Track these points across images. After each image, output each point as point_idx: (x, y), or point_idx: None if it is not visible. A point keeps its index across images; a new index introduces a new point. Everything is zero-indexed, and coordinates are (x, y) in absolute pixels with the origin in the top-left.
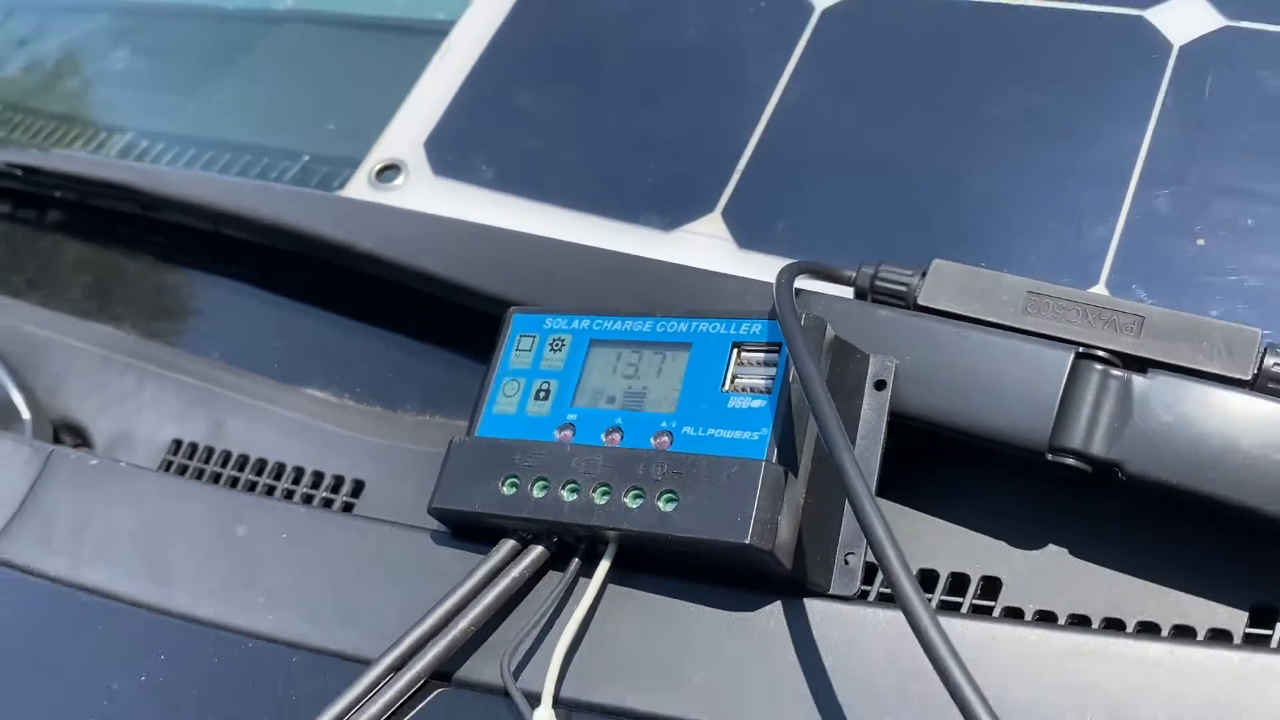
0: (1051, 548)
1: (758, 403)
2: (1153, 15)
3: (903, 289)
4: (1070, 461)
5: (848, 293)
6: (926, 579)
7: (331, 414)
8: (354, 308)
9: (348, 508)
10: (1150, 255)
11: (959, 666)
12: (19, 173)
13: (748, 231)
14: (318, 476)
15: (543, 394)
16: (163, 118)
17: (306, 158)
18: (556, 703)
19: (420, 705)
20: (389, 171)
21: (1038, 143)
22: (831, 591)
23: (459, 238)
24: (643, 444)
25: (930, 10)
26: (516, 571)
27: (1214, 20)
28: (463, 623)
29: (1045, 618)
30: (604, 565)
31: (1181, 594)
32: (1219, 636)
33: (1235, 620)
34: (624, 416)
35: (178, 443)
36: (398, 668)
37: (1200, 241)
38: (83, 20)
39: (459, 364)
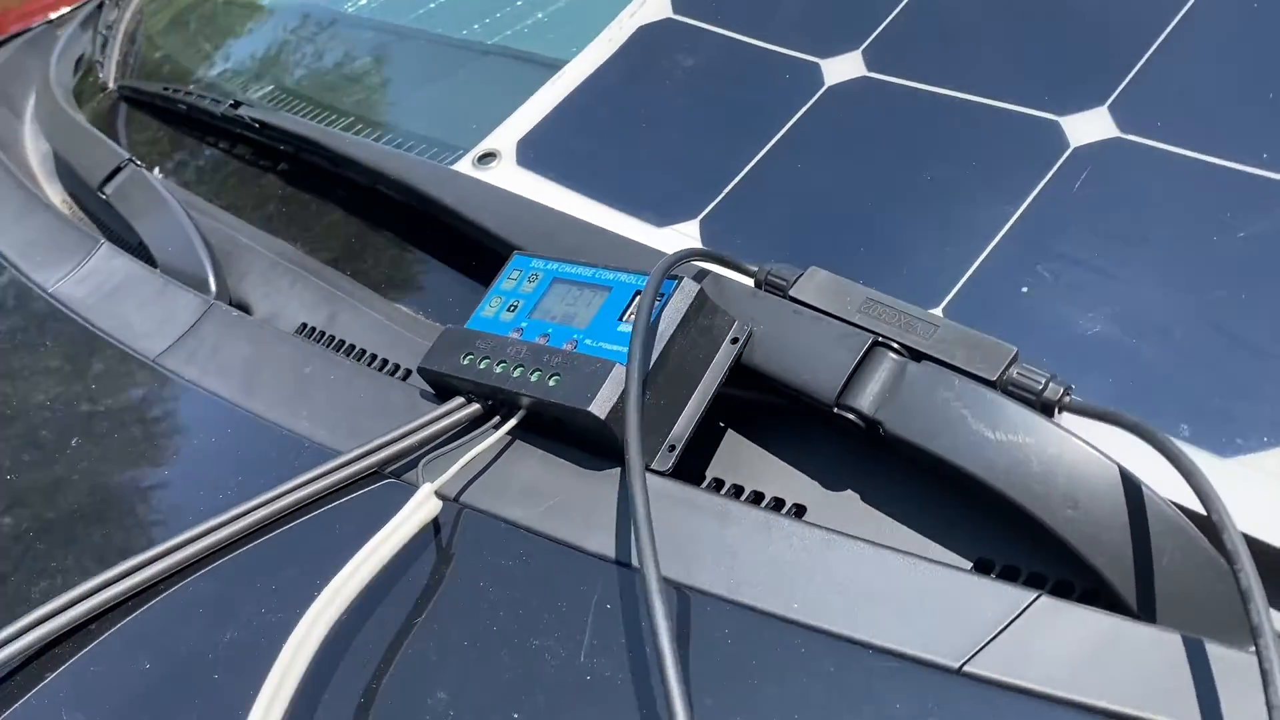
0: (848, 491)
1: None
2: (1065, 120)
3: (783, 283)
4: (850, 416)
5: (749, 281)
6: (757, 497)
7: (407, 323)
8: (441, 249)
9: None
10: (983, 292)
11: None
12: (256, 125)
13: (713, 235)
14: (384, 361)
15: (513, 307)
16: (373, 109)
17: (461, 147)
18: (446, 496)
19: (369, 487)
20: (487, 157)
21: (941, 200)
22: (652, 466)
23: (506, 204)
24: (558, 344)
25: (901, 95)
26: (456, 416)
27: (1110, 130)
28: (410, 440)
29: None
30: (511, 421)
31: (928, 539)
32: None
33: (963, 566)
34: (555, 328)
35: (304, 324)
36: (359, 459)
37: (1024, 289)
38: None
39: None
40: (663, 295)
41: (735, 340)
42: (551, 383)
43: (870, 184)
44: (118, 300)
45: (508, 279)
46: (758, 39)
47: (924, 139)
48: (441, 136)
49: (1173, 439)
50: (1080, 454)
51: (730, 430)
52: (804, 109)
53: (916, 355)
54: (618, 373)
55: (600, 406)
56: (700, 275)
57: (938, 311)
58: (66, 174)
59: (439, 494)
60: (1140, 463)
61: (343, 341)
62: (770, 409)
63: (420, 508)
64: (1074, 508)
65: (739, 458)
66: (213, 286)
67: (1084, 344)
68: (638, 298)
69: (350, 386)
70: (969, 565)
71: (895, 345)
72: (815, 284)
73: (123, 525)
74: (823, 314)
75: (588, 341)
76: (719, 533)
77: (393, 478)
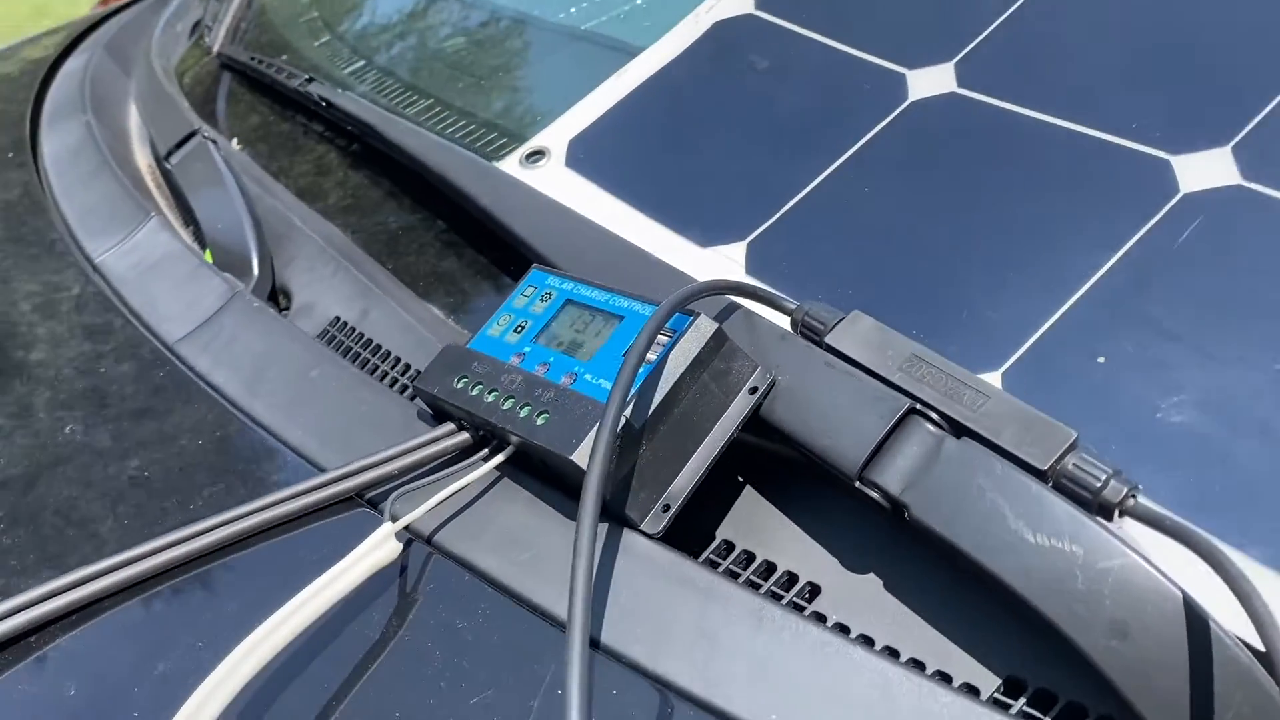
0: (870, 574)
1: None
2: (1178, 160)
3: (820, 327)
4: (872, 493)
5: (785, 320)
6: (768, 569)
7: (437, 327)
8: (485, 249)
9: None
10: (1053, 357)
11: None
12: (323, 104)
13: (759, 262)
14: (406, 366)
15: (520, 328)
16: (454, 92)
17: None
18: (421, 533)
19: (344, 514)
20: (536, 155)
21: (1023, 241)
22: (641, 526)
23: (538, 209)
24: (556, 378)
25: (993, 117)
26: (443, 444)
27: (1230, 176)
28: (390, 466)
29: (840, 629)
30: (499, 457)
31: (954, 644)
32: (969, 691)
33: (988, 683)
34: (557, 357)
35: (337, 318)
36: (333, 483)
37: (1100, 359)
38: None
39: None
40: (675, 332)
41: (754, 390)
42: (539, 421)
43: (944, 215)
44: (154, 278)
45: (521, 295)
46: (842, 43)
47: (1013, 169)
48: (512, 126)
49: (1246, 572)
50: (1137, 573)
51: (749, 487)
52: (882, 124)
53: (958, 429)
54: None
55: (584, 454)
56: (729, 310)
57: (994, 377)
58: (148, 139)
59: (411, 529)
60: (1215, 591)
61: (370, 340)
62: (796, 467)
63: (375, 550)
64: (1122, 638)
65: (756, 519)
66: (255, 270)
67: (1163, 434)
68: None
69: (352, 397)
70: (996, 683)
71: (934, 415)
72: (856, 332)
73: (84, 528)
74: (859, 368)
75: (587, 377)
76: (701, 614)
77: (369, 506)
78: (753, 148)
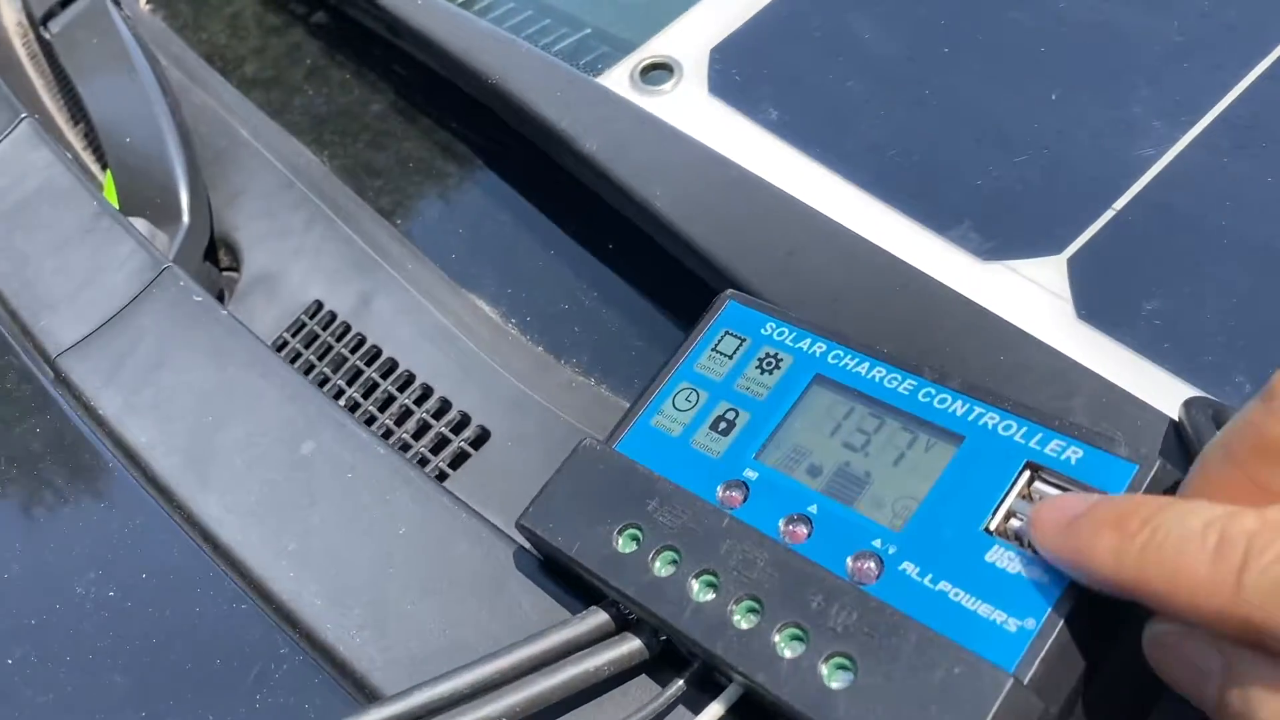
0: None
1: (1036, 573)
2: None
3: None
4: None
5: None
6: None
7: (487, 335)
8: (572, 220)
9: (460, 459)
10: None
11: None
12: None
13: (1098, 297)
14: (443, 405)
15: (724, 425)
16: None
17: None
18: None
19: None
20: (658, 72)
21: None
22: None
23: (698, 168)
24: (835, 560)
25: None
26: (593, 663)
27: None
28: (496, 705)
29: None
30: (712, 710)
31: None
32: None
33: None
34: (823, 505)
35: (318, 305)
36: None
37: None
38: None
39: (666, 337)
40: (1082, 483)
41: None
42: (832, 680)
43: None
44: (26, 227)
45: (712, 350)
46: None
47: None
48: (612, 30)
49: None
50: None
51: None
52: None
53: None
54: (1009, 704)
55: None
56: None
57: None
58: None
59: None
60: None
61: (374, 347)
62: None
63: None
64: None
65: None
66: (185, 214)
67: None
68: (1031, 476)
69: (381, 500)
70: None
71: None
72: None
73: None
74: None
75: (908, 568)
76: None
77: None
78: (1042, 90)
